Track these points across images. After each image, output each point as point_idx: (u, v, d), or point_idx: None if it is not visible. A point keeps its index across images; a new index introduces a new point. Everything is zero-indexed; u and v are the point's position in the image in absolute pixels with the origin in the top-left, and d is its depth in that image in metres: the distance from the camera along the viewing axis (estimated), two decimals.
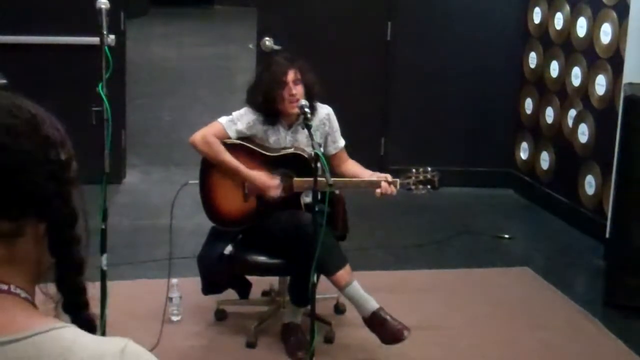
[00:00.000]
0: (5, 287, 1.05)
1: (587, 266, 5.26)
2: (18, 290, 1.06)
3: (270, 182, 3.93)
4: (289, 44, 5.61)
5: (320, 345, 3.91)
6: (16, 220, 1.07)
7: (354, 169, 4.11)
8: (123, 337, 1.08)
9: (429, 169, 3.98)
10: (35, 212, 1.08)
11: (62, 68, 5.66)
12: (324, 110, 4.09)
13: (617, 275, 4.60)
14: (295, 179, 3.92)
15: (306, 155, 3.93)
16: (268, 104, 3.94)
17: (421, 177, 3.95)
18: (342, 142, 4.16)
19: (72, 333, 1.06)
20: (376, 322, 3.80)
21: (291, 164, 3.94)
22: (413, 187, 3.95)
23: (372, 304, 3.82)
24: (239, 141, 3.96)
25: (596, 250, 5.33)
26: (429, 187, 3.95)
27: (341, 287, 3.83)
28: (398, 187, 3.90)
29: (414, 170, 3.98)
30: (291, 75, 3.92)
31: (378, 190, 3.85)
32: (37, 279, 1.12)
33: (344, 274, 3.81)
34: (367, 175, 4.03)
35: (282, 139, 4.00)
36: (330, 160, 4.02)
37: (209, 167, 4.00)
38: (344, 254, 3.90)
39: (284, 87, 3.90)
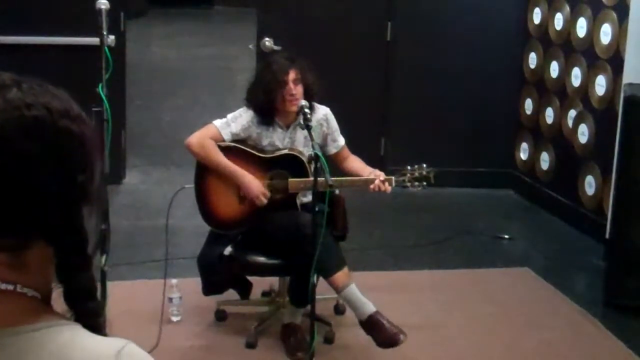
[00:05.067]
0: (11, 287, 1.04)
1: (587, 266, 5.25)
2: (25, 290, 1.05)
3: (257, 190, 3.91)
4: (289, 44, 5.60)
5: (320, 345, 3.91)
6: (21, 239, 1.04)
7: (355, 165, 4.11)
8: (123, 339, 1.07)
9: (424, 165, 3.98)
10: (41, 236, 1.05)
11: (62, 68, 5.65)
12: (322, 111, 4.08)
13: (617, 275, 4.60)
14: (291, 179, 3.91)
15: (300, 156, 3.93)
16: (268, 104, 3.94)
17: (416, 174, 3.96)
18: (342, 141, 4.15)
19: (72, 331, 1.06)
20: (372, 326, 3.78)
21: (286, 165, 3.94)
22: (408, 184, 3.96)
23: (369, 307, 3.81)
24: (233, 144, 3.96)
25: (596, 250, 5.33)
26: (424, 183, 3.96)
27: (339, 289, 3.83)
28: (393, 184, 3.90)
29: (409, 167, 3.99)
30: (292, 75, 3.92)
31: (371, 186, 3.86)
32: (51, 279, 1.10)
33: (342, 275, 3.80)
34: (367, 172, 4.03)
35: (279, 140, 4.00)
36: (333, 158, 4.04)
37: (204, 171, 3.99)
38: (343, 256, 3.89)
39: (284, 86, 3.90)
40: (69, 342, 1.03)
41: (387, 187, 3.87)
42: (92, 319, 1.09)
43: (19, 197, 1.02)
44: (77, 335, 1.05)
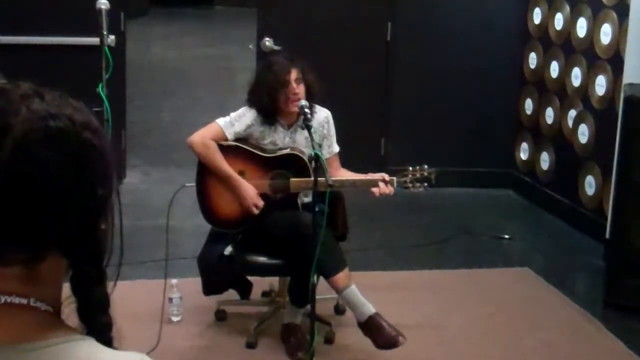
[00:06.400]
0: (25, 301, 1.03)
1: (587, 266, 5.26)
2: (38, 304, 1.04)
3: (250, 201, 3.91)
4: (289, 44, 5.60)
5: (320, 345, 3.91)
6: (38, 250, 1.03)
7: (346, 175, 4.10)
8: (138, 352, 1.07)
9: (426, 166, 3.98)
10: (58, 248, 1.05)
11: (62, 68, 5.66)
12: (323, 114, 4.08)
13: (617, 276, 4.60)
14: (292, 179, 3.91)
15: (302, 156, 3.92)
16: (270, 104, 3.93)
17: (418, 175, 3.96)
18: (336, 148, 4.15)
19: (89, 345, 1.05)
20: (372, 327, 3.78)
21: (288, 165, 3.94)
22: (410, 184, 3.95)
23: (369, 308, 3.80)
24: (235, 143, 3.96)
25: (596, 250, 5.33)
26: (425, 184, 3.96)
27: (339, 290, 3.82)
28: (395, 185, 3.90)
29: (410, 168, 3.98)
30: (294, 74, 3.92)
31: (375, 189, 3.86)
32: (61, 293, 1.10)
33: (342, 276, 3.80)
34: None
35: (280, 140, 4.00)
36: None
37: (206, 169, 3.99)
38: (344, 257, 3.89)
39: (287, 86, 3.89)
40: (89, 357, 1.03)
41: (390, 190, 3.87)
42: (105, 333, 1.10)
43: (40, 207, 1.01)
44: (96, 350, 1.05)
